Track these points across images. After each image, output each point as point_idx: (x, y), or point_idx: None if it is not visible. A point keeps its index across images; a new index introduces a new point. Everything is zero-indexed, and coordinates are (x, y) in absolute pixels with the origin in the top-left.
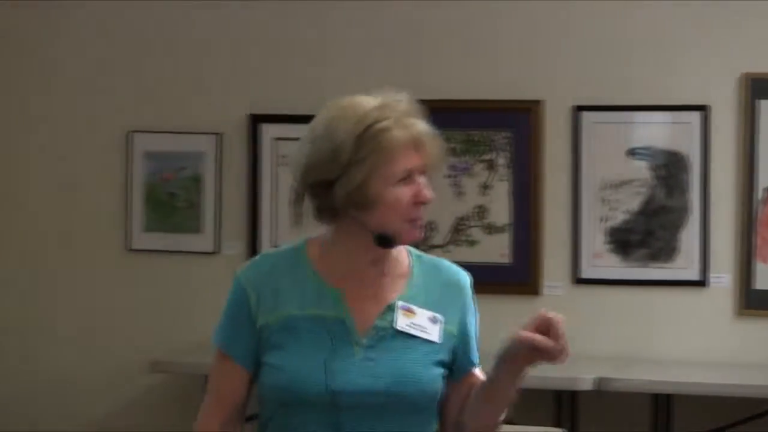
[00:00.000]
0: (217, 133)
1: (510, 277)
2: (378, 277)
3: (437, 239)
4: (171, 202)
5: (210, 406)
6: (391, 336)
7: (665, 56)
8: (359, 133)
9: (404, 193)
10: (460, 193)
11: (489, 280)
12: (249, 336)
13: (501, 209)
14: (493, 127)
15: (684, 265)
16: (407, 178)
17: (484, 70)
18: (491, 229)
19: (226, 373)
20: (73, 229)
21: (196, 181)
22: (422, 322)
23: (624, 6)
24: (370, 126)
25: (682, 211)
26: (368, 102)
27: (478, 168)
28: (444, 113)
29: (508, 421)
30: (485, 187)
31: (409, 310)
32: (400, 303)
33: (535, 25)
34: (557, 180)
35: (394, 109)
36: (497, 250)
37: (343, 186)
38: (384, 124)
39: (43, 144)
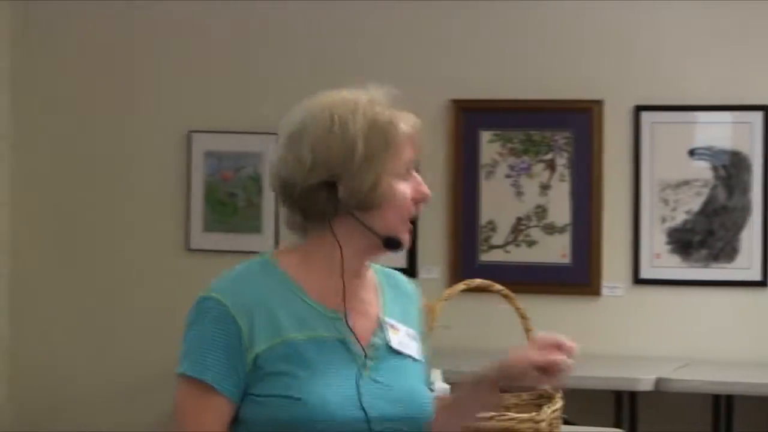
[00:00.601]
0: (275, 133)
1: (569, 278)
2: (360, 289)
3: (496, 239)
4: (231, 202)
5: None
6: (386, 355)
7: (726, 56)
8: (369, 127)
9: (407, 190)
10: (519, 193)
11: (548, 281)
12: (241, 369)
13: (561, 209)
14: (553, 127)
15: (745, 266)
16: (405, 173)
17: (545, 70)
18: (551, 229)
19: (215, 410)
20: (133, 229)
21: (256, 180)
22: (405, 340)
23: (686, 6)
24: (376, 119)
25: (743, 212)
26: (360, 95)
27: (538, 168)
28: (504, 113)
29: (568, 422)
30: (545, 188)
31: (394, 327)
32: (386, 319)
33: (597, 25)
34: (617, 180)
35: (387, 102)
36: (557, 250)
37: (353, 184)
38: (388, 116)
39: (105, 143)
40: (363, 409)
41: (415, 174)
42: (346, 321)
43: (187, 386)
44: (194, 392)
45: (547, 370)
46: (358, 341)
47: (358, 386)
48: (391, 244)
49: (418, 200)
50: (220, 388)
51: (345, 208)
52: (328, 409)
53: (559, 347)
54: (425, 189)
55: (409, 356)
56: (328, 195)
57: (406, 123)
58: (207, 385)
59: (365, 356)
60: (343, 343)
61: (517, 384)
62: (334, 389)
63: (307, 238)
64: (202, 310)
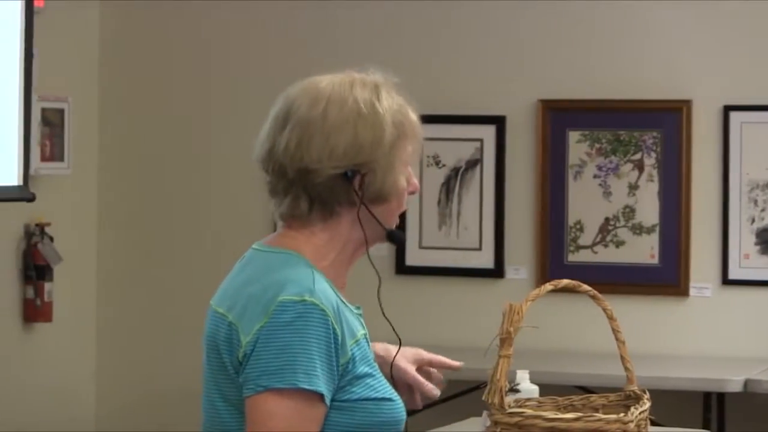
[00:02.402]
0: None
1: (657, 279)
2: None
3: (584, 240)
4: None
5: None
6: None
7: None
8: (393, 113)
9: (404, 182)
10: (607, 194)
11: (636, 282)
12: (336, 376)
13: (649, 210)
14: (641, 127)
15: None
16: (407, 164)
17: (633, 70)
18: (639, 229)
19: (319, 421)
20: (217, 230)
21: None
22: None
23: None
24: (398, 105)
25: None
26: (371, 78)
27: (626, 168)
28: (592, 113)
29: (656, 423)
30: (633, 188)
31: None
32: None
33: (686, 25)
34: (706, 180)
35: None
36: (645, 251)
37: (376, 174)
38: (401, 102)
39: (193, 142)
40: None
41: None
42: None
43: (296, 400)
44: (305, 405)
45: (411, 387)
46: None
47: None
48: (395, 238)
49: (410, 193)
50: (327, 398)
51: (358, 198)
52: (401, 407)
53: (429, 368)
54: (417, 182)
55: None
56: (347, 184)
57: (413, 111)
58: (318, 396)
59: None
60: (366, 338)
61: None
62: (391, 389)
63: (303, 228)
64: (301, 315)
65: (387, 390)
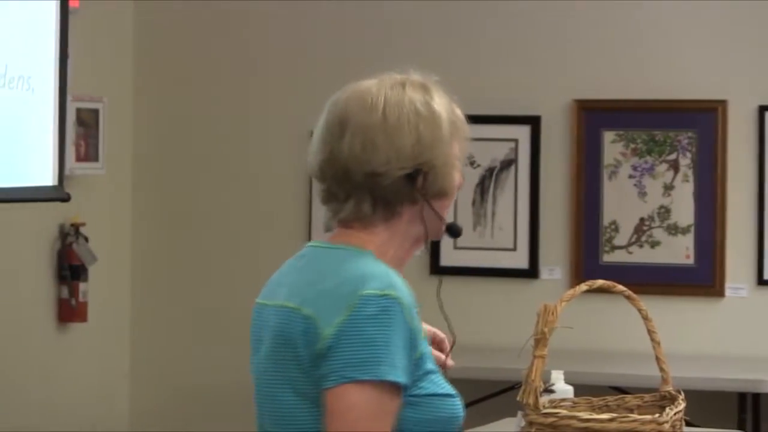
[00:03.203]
0: None
1: (693, 279)
2: None
3: (619, 240)
4: None
5: None
6: None
7: None
8: (447, 110)
9: (460, 177)
10: (642, 194)
11: (671, 282)
12: (411, 371)
13: (684, 210)
14: (676, 127)
15: None
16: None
17: (668, 70)
18: (674, 230)
19: (395, 414)
20: (255, 229)
21: None
22: None
23: None
24: (450, 102)
25: None
26: (416, 78)
27: (661, 168)
28: (627, 113)
29: (691, 424)
30: (668, 188)
31: None
32: None
33: (720, 25)
34: (741, 180)
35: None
36: (680, 251)
37: (438, 171)
38: (449, 100)
39: (227, 142)
40: None
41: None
42: None
43: (377, 392)
44: (385, 397)
45: None
46: None
47: None
48: (454, 230)
49: (459, 188)
50: (404, 392)
51: (421, 196)
52: (462, 403)
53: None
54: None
55: None
56: (411, 183)
57: (459, 108)
58: (398, 389)
59: None
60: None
61: None
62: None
63: (364, 228)
64: (385, 309)
65: (448, 386)
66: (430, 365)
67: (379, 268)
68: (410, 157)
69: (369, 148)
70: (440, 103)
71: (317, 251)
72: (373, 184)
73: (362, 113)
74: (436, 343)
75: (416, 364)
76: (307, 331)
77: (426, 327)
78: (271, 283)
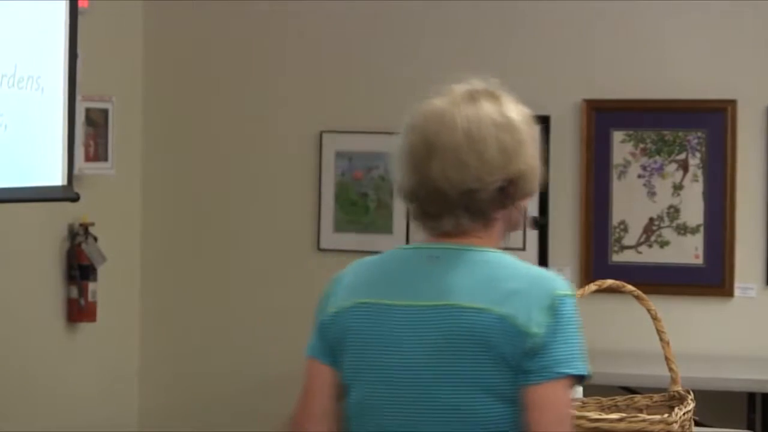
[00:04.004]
0: None
1: (702, 279)
2: None
3: (628, 240)
4: (362, 202)
5: None
6: None
7: None
8: (522, 115)
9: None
10: (652, 194)
11: (680, 282)
12: None
13: (693, 210)
14: (686, 127)
15: None
16: None
17: (678, 70)
18: (683, 230)
19: None
20: (264, 229)
21: (386, 180)
22: None
23: None
24: (517, 107)
25: None
26: (482, 87)
27: (671, 168)
28: (637, 113)
29: (700, 424)
30: (678, 188)
31: None
32: None
33: (730, 25)
34: (751, 180)
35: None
36: (689, 251)
37: (526, 175)
38: (514, 99)
39: (236, 143)
40: None
41: None
42: None
43: (574, 385)
44: (573, 390)
45: None
46: None
47: None
48: (538, 223)
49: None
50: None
51: (512, 201)
52: None
53: None
54: None
55: None
56: (503, 192)
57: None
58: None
59: None
60: None
61: None
62: None
63: (467, 237)
64: (575, 307)
65: None
66: None
67: (543, 269)
68: (499, 168)
69: (459, 168)
70: (511, 108)
71: (452, 253)
72: (468, 200)
73: (445, 134)
74: None
75: None
76: (506, 331)
77: None
78: (386, 282)
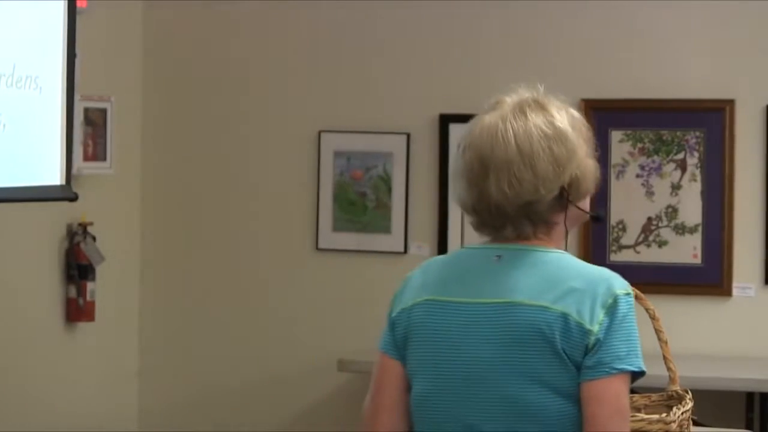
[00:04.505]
0: (405, 133)
1: (700, 279)
2: None
3: (627, 239)
4: (360, 202)
5: None
6: None
7: None
8: (573, 118)
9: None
10: (650, 193)
11: (679, 282)
12: None
13: (692, 209)
14: (684, 127)
15: None
16: None
17: (676, 69)
18: (682, 229)
19: None
20: (262, 229)
21: (385, 180)
22: None
23: None
24: (564, 112)
25: None
26: (530, 97)
27: (669, 168)
28: (635, 112)
29: (698, 423)
30: (676, 187)
31: None
32: None
33: (728, 24)
34: (749, 180)
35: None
36: (688, 251)
37: (581, 179)
38: (562, 105)
39: (235, 143)
40: None
41: None
42: None
43: (631, 381)
44: (629, 386)
45: None
46: None
47: None
48: (599, 218)
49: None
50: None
51: (570, 204)
52: None
53: None
54: None
55: None
56: (561, 199)
57: (575, 109)
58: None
59: None
60: None
61: None
62: None
63: (527, 240)
64: (632, 306)
65: None
66: None
67: (603, 269)
68: (554, 178)
69: (515, 184)
70: (559, 117)
71: (515, 253)
72: (527, 211)
73: (498, 151)
74: None
75: None
76: (566, 328)
77: None
78: (452, 280)
